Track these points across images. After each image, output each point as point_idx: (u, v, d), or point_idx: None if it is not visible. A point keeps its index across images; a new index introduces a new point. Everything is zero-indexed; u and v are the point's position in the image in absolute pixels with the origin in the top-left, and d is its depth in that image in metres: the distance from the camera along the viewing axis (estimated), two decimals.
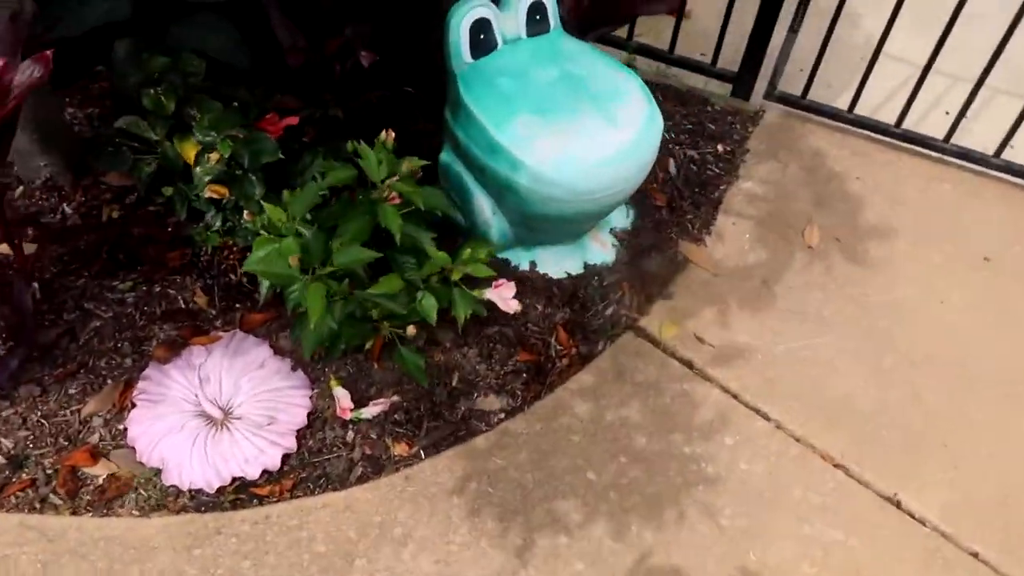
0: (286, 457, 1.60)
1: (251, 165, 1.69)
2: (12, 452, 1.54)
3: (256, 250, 1.52)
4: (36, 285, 1.68)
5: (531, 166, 1.65)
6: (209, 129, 1.66)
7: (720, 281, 2.04)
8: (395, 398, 1.69)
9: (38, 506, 1.48)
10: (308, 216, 1.58)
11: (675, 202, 2.19)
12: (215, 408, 1.61)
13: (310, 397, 1.68)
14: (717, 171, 2.30)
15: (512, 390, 1.77)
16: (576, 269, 1.99)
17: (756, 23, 2.39)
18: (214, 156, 1.64)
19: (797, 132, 2.47)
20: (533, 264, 1.96)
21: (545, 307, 1.91)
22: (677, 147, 2.35)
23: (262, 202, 1.59)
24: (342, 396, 1.65)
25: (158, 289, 1.76)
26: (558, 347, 1.85)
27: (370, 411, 1.64)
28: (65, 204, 1.88)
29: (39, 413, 1.57)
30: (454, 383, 1.75)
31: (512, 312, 1.63)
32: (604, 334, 1.89)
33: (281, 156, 1.72)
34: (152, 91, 1.67)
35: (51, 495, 1.50)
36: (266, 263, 1.49)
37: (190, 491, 1.54)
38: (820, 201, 2.25)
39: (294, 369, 1.70)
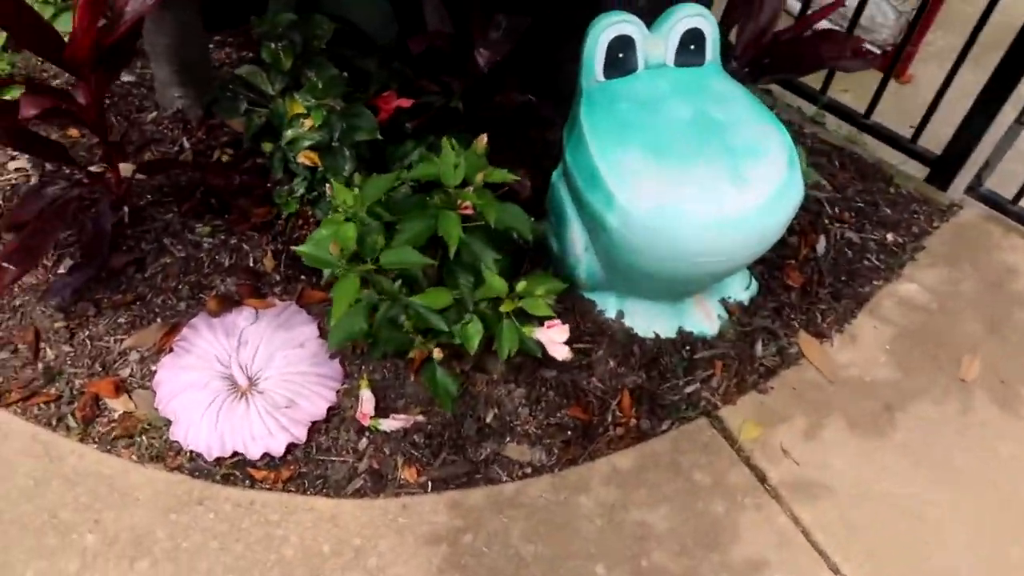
0: (292, 446, 1.53)
1: (344, 139, 1.62)
2: (51, 364, 1.57)
3: (322, 228, 1.45)
4: (127, 209, 1.71)
5: (624, 206, 1.46)
6: (311, 93, 1.61)
7: (834, 390, 1.73)
8: (420, 417, 1.57)
9: (54, 423, 1.51)
10: (382, 205, 1.48)
11: (811, 286, 1.89)
12: (243, 375, 1.56)
13: (337, 391, 1.59)
14: (876, 263, 1.97)
15: (549, 446, 1.59)
16: (667, 332, 1.76)
17: (976, 104, 2.01)
18: (308, 122, 1.59)
19: (993, 240, 2.06)
20: (620, 314, 1.75)
21: (618, 365, 1.70)
22: (836, 224, 2.03)
23: (333, 180, 1.51)
24: (367, 400, 1.55)
25: (234, 241, 1.74)
26: (617, 413, 1.65)
27: (390, 424, 1.53)
28: (186, 138, 1.92)
29: (86, 333, 1.60)
30: (487, 419, 1.60)
31: (560, 359, 1.45)
32: (675, 413, 1.65)
33: (379, 137, 1.64)
34: (272, 45, 1.64)
35: (69, 416, 1.52)
36: (317, 244, 1.41)
37: (190, 452, 1.50)
38: (994, 328, 1.86)
39: (332, 357, 1.62)
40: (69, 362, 1.58)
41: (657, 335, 1.75)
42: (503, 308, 1.42)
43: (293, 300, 1.69)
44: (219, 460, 1.50)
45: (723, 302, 1.81)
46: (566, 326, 1.43)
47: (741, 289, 1.83)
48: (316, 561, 1.40)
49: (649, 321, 1.75)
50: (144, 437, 1.51)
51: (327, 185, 1.59)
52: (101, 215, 1.60)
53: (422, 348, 1.51)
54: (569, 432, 1.61)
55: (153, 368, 1.58)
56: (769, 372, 1.75)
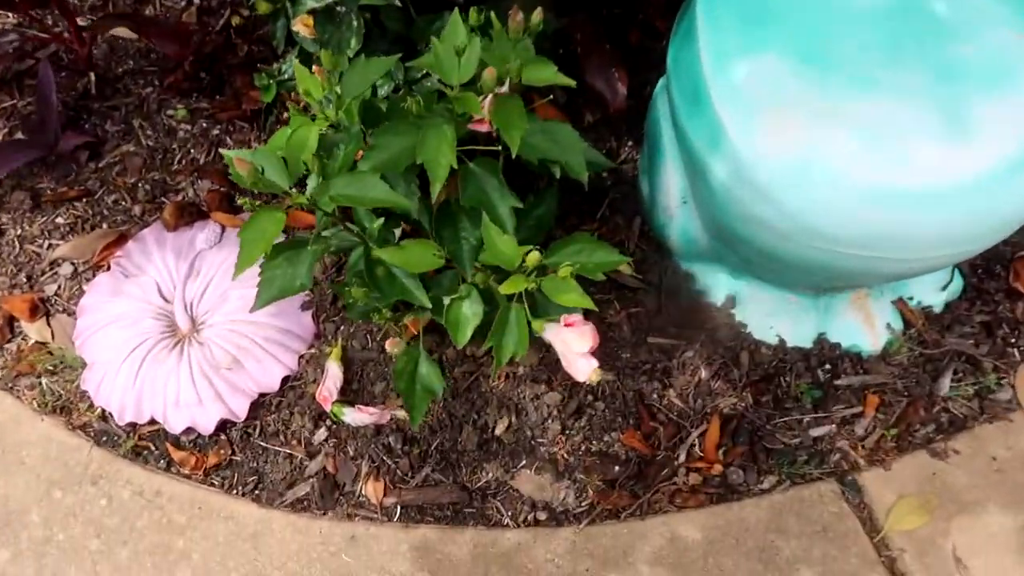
0: (226, 424, 1.12)
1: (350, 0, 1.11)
2: None
3: (279, 132, 0.99)
4: (93, 76, 1.32)
5: (738, 149, 0.87)
6: None
7: None
8: (400, 412, 1.10)
9: None
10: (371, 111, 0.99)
11: None
12: (185, 315, 1.16)
13: (301, 356, 1.16)
14: None
15: (583, 484, 1.08)
16: (799, 338, 1.15)
17: None
18: None
19: None
20: (730, 301, 1.16)
21: (713, 377, 1.13)
22: None
23: (295, 62, 1.01)
24: (332, 376, 1.10)
25: (216, 132, 1.31)
26: (696, 450, 1.10)
27: (355, 416, 1.08)
28: None
29: (17, 232, 1.26)
30: (496, 430, 1.10)
31: (583, 381, 0.91)
32: (787, 465, 1.08)
33: (398, 2, 1.11)
34: None
35: None
36: (260, 154, 0.94)
37: (101, 410, 1.14)
38: None
39: (304, 308, 1.18)
40: None
41: (781, 340, 1.15)
42: (505, 288, 0.89)
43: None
44: (133, 426, 1.13)
45: (899, 304, 1.17)
46: (589, 328, 0.88)
47: (934, 288, 1.17)
48: None
49: (772, 318, 1.16)
50: (50, 379, 1.16)
51: (314, 67, 1.09)
52: (44, 81, 1.22)
53: (385, 323, 1.02)
54: (617, 468, 1.08)
55: (85, 288, 1.22)
56: (956, 424, 1.11)
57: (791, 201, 0.86)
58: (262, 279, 0.97)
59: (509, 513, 1.07)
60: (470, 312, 0.94)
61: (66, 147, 1.27)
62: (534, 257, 0.86)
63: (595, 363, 0.87)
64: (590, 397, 1.12)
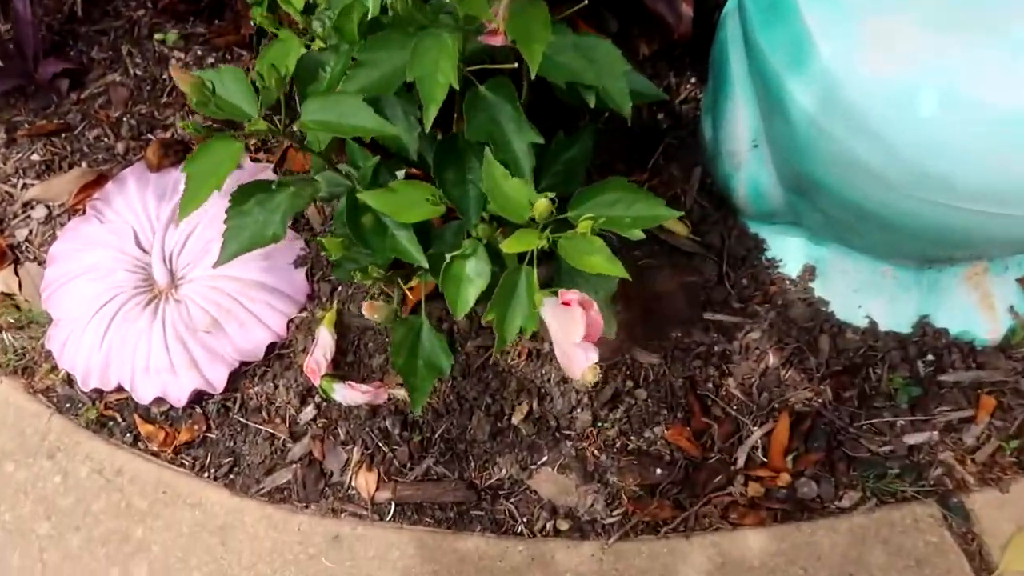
0: (202, 396, 0.97)
1: None
2: None
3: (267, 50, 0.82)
4: None
5: (830, 67, 0.65)
6: None
7: None
8: (401, 392, 0.92)
9: None
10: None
11: None
12: (164, 268, 1.00)
13: (290, 320, 0.99)
14: None
15: (616, 488, 0.89)
16: (897, 322, 0.93)
17: None
18: None
19: None
20: (809, 273, 0.94)
21: (784, 364, 0.92)
22: None
23: None
24: (323, 346, 0.93)
25: (211, 61, 1.14)
26: (758, 454, 0.89)
27: (346, 393, 0.90)
28: None
29: None
30: (514, 417, 0.92)
31: (577, 378, 0.70)
32: (874, 478, 0.87)
33: None
34: None
35: None
36: (227, 72, 0.77)
37: (66, 373, 0.99)
38: None
39: (297, 266, 1.01)
40: None
41: (872, 323, 0.93)
42: (509, 245, 0.69)
43: (270, 163, 1.08)
44: (99, 393, 0.99)
45: None
46: (582, 312, 0.66)
47: None
48: None
49: (861, 295, 0.93)
50: (14, 335, 1.02)
51: None
52: (22, 1, 1.07)
53: (372, 284, 0.84)
54: (658, 471, 0.89)
55: (54, 234, 1.08)
56: None
57: (898, 135, 0.64)
58: (228, 227, 0.80)
59: (524, 519, 0.89)
60: (474, 273, 0.75)
61: (46, 75, 1.12)
62: (542, 206, 0.66)
63: (593, 357, 0.66)
64: (629, 383, 0.92)
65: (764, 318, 0.94)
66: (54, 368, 1.00)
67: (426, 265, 0.78)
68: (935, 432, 0.88)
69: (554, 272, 0.81)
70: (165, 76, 1.14)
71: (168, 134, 1.11)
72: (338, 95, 0.72)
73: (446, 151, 0.77)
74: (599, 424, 0.91)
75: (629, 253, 0.96)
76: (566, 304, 0.66)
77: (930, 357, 0.92)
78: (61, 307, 1.01)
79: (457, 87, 0.69)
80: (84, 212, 1.07)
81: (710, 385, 0.92)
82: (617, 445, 0.91)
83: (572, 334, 0.65)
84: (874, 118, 0.64)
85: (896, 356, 0.91)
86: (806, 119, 0.69)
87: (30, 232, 1.08)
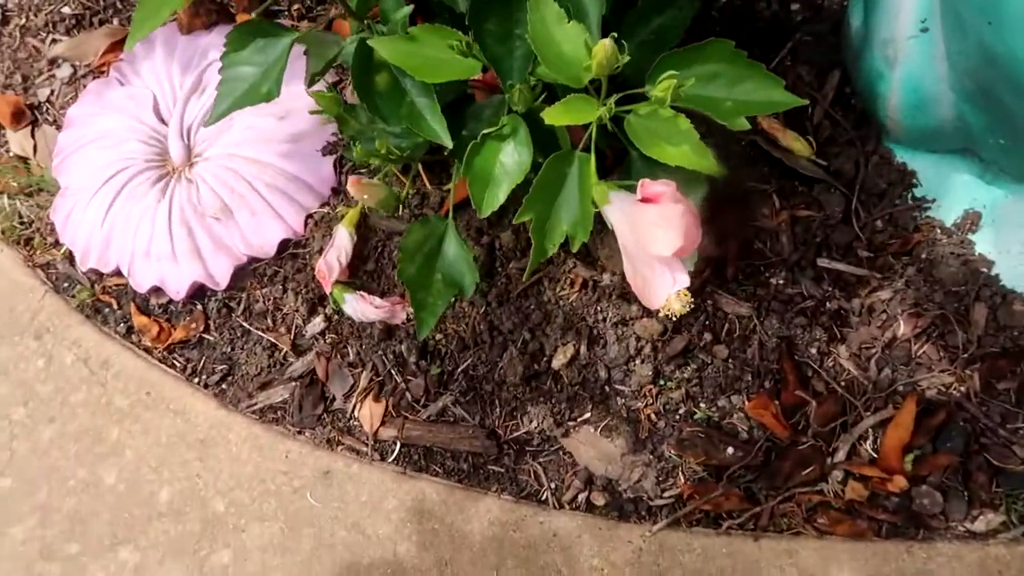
0: (203, 291, 0.84)
1: None
2: None
3: None
4: None
5: None
6: None
7: None
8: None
9: None
10: None
11: None
12: (179, 143, 0.87)
13: (310, 214, 0.84)
14: None
15: (671, 463, 0.70)
16: None
17: None
18: None
19: None
20: (972, 220, 0.71)
21: (920, 336, 0.70)
22: None
23: None
24: (339, 247, 0.77)
25: None
26: (866, 449, 0.68)
27: (357, 306, 0.75)
28: None
29: (21, 18, 1.01)
30: (554, 362, 0.73)
31: (656, 310, 0.50)
32: None
33: None
34: None
35: None
36: None
37: (67, 249, 0.88)
38: None
39: (325, 153, 0.85)
40: None
41: None
42: (549, 115, 0.49)
43: (314, 28, 0.92)
44: (95, 275, 0.87)
45: None
46: (680, 210, 0.47)
47: None
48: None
49: None
50: (23, 202, 0.92)
51: None
52: None
53: (385, 167, 0.67)
54: (730, 450, 0.69)
55: (76, 95, 0.96)
56: None
57: None
58: (222, 79, 0.65)
59: (551, 485, 0.71)
60: (511, 160, 0.57)
61: None
62: (603, 51, 0.46)
63: (684, 280, 0.47)
64: (708, 336, 0.72)
65: (900, 274, 0.72)
66: (56, 243, 0.89)
67: (448, 143, 0.60)
68: None
69: (623, 173, 0.62)
70: None
71: None
72: None
73: None
74: (661, 382, 0.72)
75: (727, 168, 0.74)
76: (649, 200, 0.47)
77: None
78: (70, 175, 0.90)
79: None
80: (107, 73, 0.95)
81: (813, 351, 0.71)
82: (681, 411, 0.71)
83: (658, 243, 0.46)
84: None
85: None
86: None
87: (51, 92, 0.97)
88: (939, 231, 0.72)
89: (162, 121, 0.90)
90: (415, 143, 0.68)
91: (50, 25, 1.00)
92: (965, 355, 0.68)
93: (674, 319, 0.71)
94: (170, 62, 0.92)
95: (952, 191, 0.71)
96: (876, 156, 0.74)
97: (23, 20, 1.01)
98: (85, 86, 0.95)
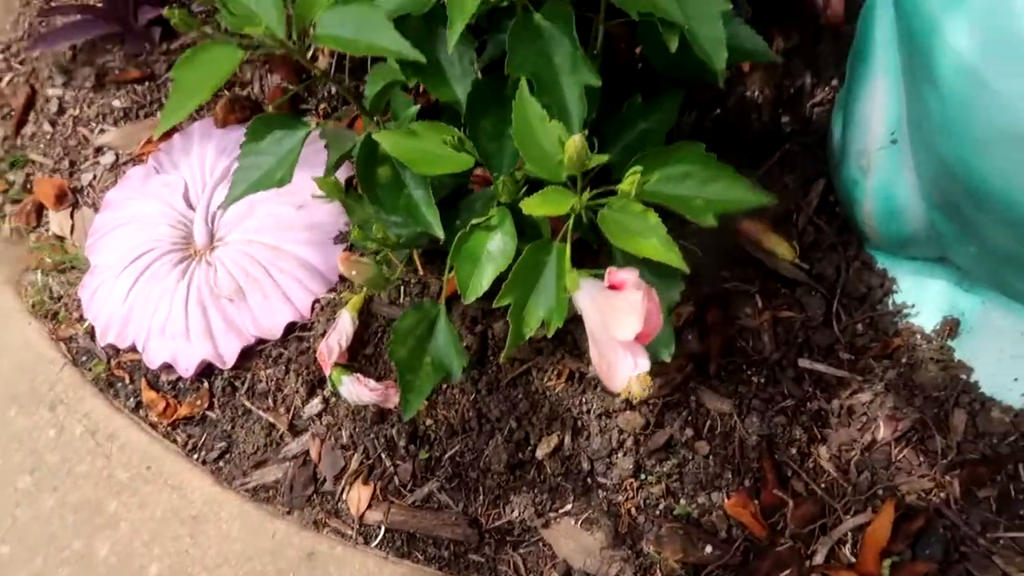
0: (211, 369, 0.87)
1: None
2: (24, 142, 1.10)
3: None
4: None
5: (989, 8, 0.45)
6: None
7: None
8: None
9: None
10: None
11: None
12: (204, 227, 0.93)
13: (316, 300, 0.88)
14: None
15: (650, 560, 0.70)
16: None
17: None
18: None
19: None
20: (950, 327, 0.72)
21: (900, 440, 0.70)
22: None
23: None
24: (341, 331, 0.81)
25: None
26: (845, 553, 0.68)
27: (353, 388, 0.77)
28: None
29: (75, 109, 1.09)
30: (538, 452, 0.75)
31: (616, 393, 0.53)
32: None
33: None
34: None
35: (5, 214, 1.05)
36: None
37: (89, 324, 0.93)
38: None
39: (337, 242, 0.90)
40: (41, 142, 1.09)
41: None
42: (528, 205, 0.53)
43: (335, 124, 0.99)
44: (114, 350, 0.92)
45: None
46: (642, 296, 0.49)
47: None
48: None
49: (1020, 364, 0.69)
50: (56, 278, 0.98)
51: None
52: None
53: (381, 251, 0.71)
54: (708, 548, 0.69)
55: (115, 181, 1.03)
56: None
57: None
58: (240, 164, 0.71)
59: None
60: (495, 249, 0.61)
61: (142, 21, 1.10)
62: (574, 147, 0.49)
63: (645, 364, 0.49)
64: (689, 432, 0.73)
65: (880, 377, 0.73)
66: (80, 318, 0.94)
67: (440, 233, 0.64)
68: None
69: (606, 264, 0.65)
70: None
71: (245, 91, 1.05)
72: (358, 5, 0.60)
73: (485, 94, 0.63)
74: (642, 476, 0.73)
75: (712, 269, 0.77)
76: (615, 287, 0.50)
77: None
78: (101, 254, 0.96)
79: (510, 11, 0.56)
80: (147, 161, 1.02)
81: (794, 451, 0.72)
82: (661, 506, 0.72)
83: (621, 327, 0.48)
84: None
85: None
86: (960, 71, 0.49)
87: (94, 177, 1.05)
88: (919, 336, 0.73)
89: (191, 207, 0.96)
90: (413, 232, 0.72)
91: (100, 116, 1.08)
92: (944, 461, 0.69)
93: (652, 413, 0.73)
94: (203, 153, 0.99)
95: (931, 298, 0.73)
96: (858, 262, 0.77)
97: (76, 111, 1.10)
98: (125, 172, 1.03)
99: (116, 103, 1.09)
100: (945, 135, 0.56)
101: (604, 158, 0.54)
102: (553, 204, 0.54)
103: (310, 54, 1.04)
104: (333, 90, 1.02)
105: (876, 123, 0.66)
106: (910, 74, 0.59)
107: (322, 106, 1.01)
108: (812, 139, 0.84)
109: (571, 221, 0.56)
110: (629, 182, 0.51)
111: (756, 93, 0.89)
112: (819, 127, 0.85)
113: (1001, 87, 0.47)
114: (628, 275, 0.50)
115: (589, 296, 0.52)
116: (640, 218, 0.54)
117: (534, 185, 0.63)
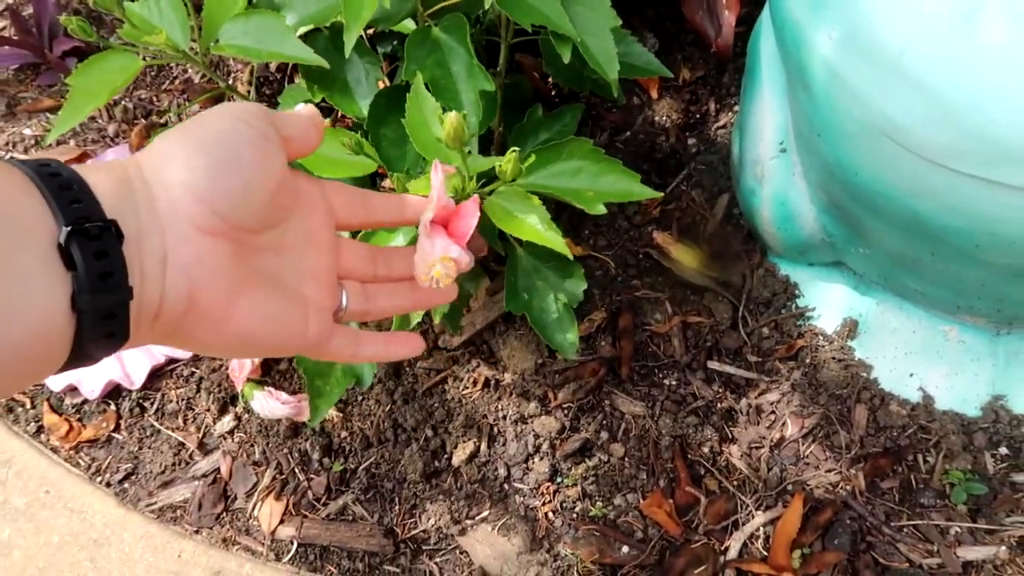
0: (118, 390, 0.85)
1: None
2: None
3: None
4: None
5: (840, 14, 0.50)
6: None
7: None
8: (331, 411, 0.77)
9: None
10: None
11: None
12: None
13: None
14: None
15: (567, 562, 0.69)
16: (960, 399, 0.72)
17: None
18: None
19: None
20: (849, 328, 0.75)
21: (806, 437, 0.72)
22: None
23: None
24: None
25: None
26: (757, 547, 0.68)
27: (265, 403, 0.76)
28: None
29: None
30: (454, 460, 0.74)
31: (423, 280, 0.46)
32: None
33: None
34: None
35: None
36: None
37: None
38: None
39: None
40: None
41: (927, 397, 0.72)
42: (418, 187, 0.54)
43: None
44: None
45: None
46: (440, 175, 0.46)
47: None
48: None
49: (916, 360, 0.73)
50: None
51: None
52: None
53: None
54: (625, 548, 0.69)
55: None
56: None
57: (948, 90, 0.47)
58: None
59: None
60: (399, 242, 0.61)
61: (57, 52, 1.09)
62: (451, 123, 0.50)
63: (453, 250, 0.44)
64: (604, 435, 0.74)
65: (786, 377, 0.75)
66: None
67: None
68: (1002, 547, 0.65)
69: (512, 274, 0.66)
70: (171, 63, 1.09)
71: (163, 120, 1.05)
72: (261, 15, 0.61)
73: (389, 103, 0.65)
74: (559, 479, 0.73)
75: (623, 278, 0.79)
76: (449, 213, 0.46)
77: (1004, 450, 0.70)
78: None
79: (388, 5, 0.57)
80: None
81: (705, 450, 0.73)
82: (577, 509, 0.72)
83: (426, 209, 0.45)
84: (910, 63, 0.48)
85: (956, 443, 0.70)
86: (824, 71, 0.53)
87: None
88: (821, 338, 0.76)
89: None
90: None
91: (11, 144, 1.06)
92: (849, 455, 0.71)
93: (567, 418, 0.74)
94: None
95: (831, 301, 0.76)
96: (762, 269, 0.80)
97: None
98: None
99: (27, 131, 1.07)
100: (821, 136, 0.60)
101: (497, 160, 0.56)
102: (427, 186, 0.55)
103: (230, 80, 1.06)
104: None
105: (767, 133, 0.70)
106: (790, 84, 0.63)
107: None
108: (716, 158, 0.88)
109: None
110: (507, 159, 0.52)
111: (664, 117, 0.93)
112: (723, 148, 0.90)
113: (854, 80, 0.51)
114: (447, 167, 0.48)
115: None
116: (523, 202, 0.56)
117: None
